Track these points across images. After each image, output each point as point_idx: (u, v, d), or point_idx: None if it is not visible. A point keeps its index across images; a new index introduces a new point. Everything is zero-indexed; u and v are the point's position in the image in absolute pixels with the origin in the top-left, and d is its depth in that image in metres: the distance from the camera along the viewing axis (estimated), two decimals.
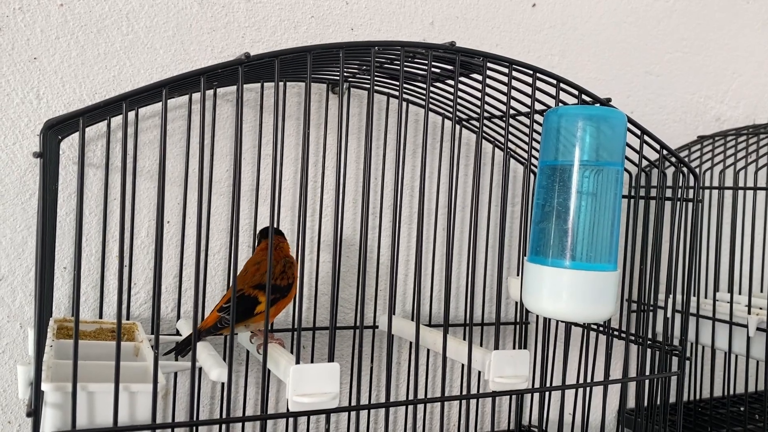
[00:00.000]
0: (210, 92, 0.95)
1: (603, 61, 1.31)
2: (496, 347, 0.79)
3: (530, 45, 1.22)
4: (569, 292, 0.71)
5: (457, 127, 1.13)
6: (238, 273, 0.97)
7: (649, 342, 0.95)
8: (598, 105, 0.82)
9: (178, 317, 0.95)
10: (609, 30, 1.31)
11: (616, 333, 1.01)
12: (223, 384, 0.99)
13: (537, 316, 1.17)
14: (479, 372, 1.11)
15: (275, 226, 0.80)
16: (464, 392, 1.15)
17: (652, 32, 1.36)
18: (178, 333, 0.93)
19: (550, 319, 1.07)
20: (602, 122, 0.71)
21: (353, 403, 1.08)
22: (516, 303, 1.21)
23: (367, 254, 0.75)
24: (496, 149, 1.16)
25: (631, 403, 1.27)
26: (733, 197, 1.19)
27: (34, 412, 0.57)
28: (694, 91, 1.42)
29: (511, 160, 1.17)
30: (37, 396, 0.58)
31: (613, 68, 1.32)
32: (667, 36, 1.38)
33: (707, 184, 1.31)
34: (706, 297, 1.29)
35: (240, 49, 1.00)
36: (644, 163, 0.92)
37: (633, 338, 0.99)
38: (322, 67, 0.90)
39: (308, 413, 0.70)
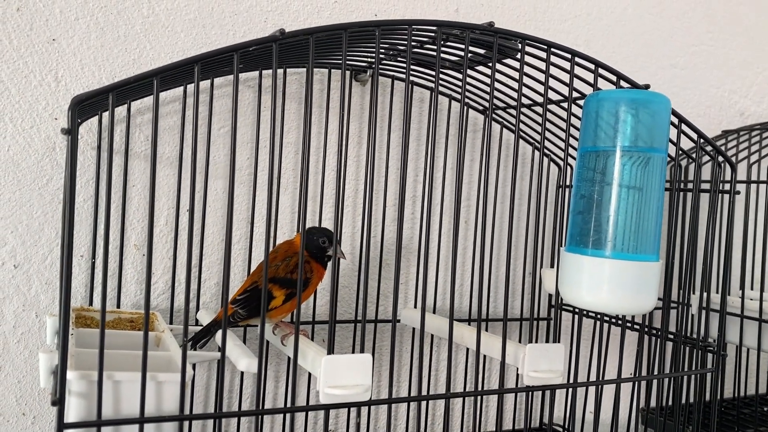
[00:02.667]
0: (231, 77, 0.93)
1: (628, 53, 1.28)
2: (529, 341, 0.77)
3: (555, 34, 1.20)
4: (610, 282, 0.68)
5: (482, 116, 1.10)
6: (255, 267, 0.94)
7: (683, 339, 0.93)
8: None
9: (198, 308, 0.93)
10: (634, 21, 1.28)
11: (647, 329, 0.98)
12: (241, 377, 0.96)
13: (561, 312, 1.15)
14: (492, 367, 1.09)
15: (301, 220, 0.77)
16: (484, 388, 1.13)
17: (676, 24, 1.34)
18: (197, 323, 0.90)
19: (574, 314, 1.04)
20: (646, 106, 0.69)
21: (374, 396, 1.05)
22: (536, 298, 1.19)
23: (400, 248, 0.72)
24: (520, 139, 1.13)
25: (652, 402, 1.24)
26: (766, 191, 1.17)
27: (60, 401, 0.55)
28: (718, 85, 1.40)
29: (535, 150, 1.15)
30: (63, 384, 0.55)
31: (638, 60, 1.29)
32: (691, 28, 1.36)
33: (738, 178, 1.28)
34: (729, 294, 1.26)
35: (262, 34, 0.97)
36: (679, 153, 0.90)
37: (667, 335, 0.97)
38: (349, 51, 0.87)
39: (337, 406, 0.67)
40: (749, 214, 1.22)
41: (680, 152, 0.90)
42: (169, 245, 0.93)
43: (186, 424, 0.91)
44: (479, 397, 1.12)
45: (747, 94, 1.43)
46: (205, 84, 0.91)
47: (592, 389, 1.16)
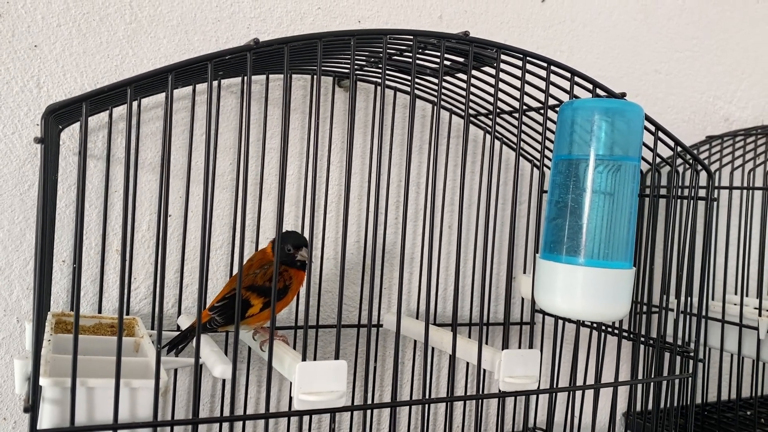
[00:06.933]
0: (214, 84, 0.93)
1: (612, 59, 1.29)
2: (505, 347, 0.77)
3: (539, 41, 1.20)
4: (584, 289, 0.69)
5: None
6: (235, 272, 0.95)
7: (660, 344, 0.93)
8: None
9: (179, 313, 0.93)
10: (618, 27, 1.29)
11: (625, 334, 0.99)
12: (223, 382, 0.97)
13: (543, 317, 1.15)
14: (483, 372, 1.10)
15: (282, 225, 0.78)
16: (469, 393, 1.14)
17: (661, 30, 1.35)
18: (179, 329, 0.91)
19: (557, 319, 1.05)
20: (619, 115, 0.69)
21: (357, 402, 1.06)
22: (519, 303, 1.19)
23: (376, 252, 0.73)
24: (503, 145, 1.14)
25: (636, 406, 1.25)
26: (747, 197, 1.18)
27: (32, 408, 0.55)
28: (703, 91, 1.40)
29: (520, 156, 1.15)
30: (35, 391, 0.56)
31: (622, 66, 1.30)
32: (676, 34, 1.36)
33: (716, 184, 1.29)
34: (713, 299, 1.27)
35: (245, 40, 0.98)
36: (656, 160, 0.91)
37: (644, 340, 0.97)
38: (330, 58, 0.88)
39: (313, 412, 0.68)
40: (731, 219, 1.23)
41: (659, 160, 0.91)
42: (150, 250, 0.94)
43: (165, 429, 0.91)
44: (454, 403, 1.13)
45: (731, 100, 1.44)
46: (189, 89, 0.92)
47: (575, 395, 1.17)
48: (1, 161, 0.85)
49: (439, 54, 0.77)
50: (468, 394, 1.13)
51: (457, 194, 1.12)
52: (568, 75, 0.79)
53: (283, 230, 0.88)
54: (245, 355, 0.99)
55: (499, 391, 0.77)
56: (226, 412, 0.95)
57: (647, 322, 1.05)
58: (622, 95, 0.80)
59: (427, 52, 0.79)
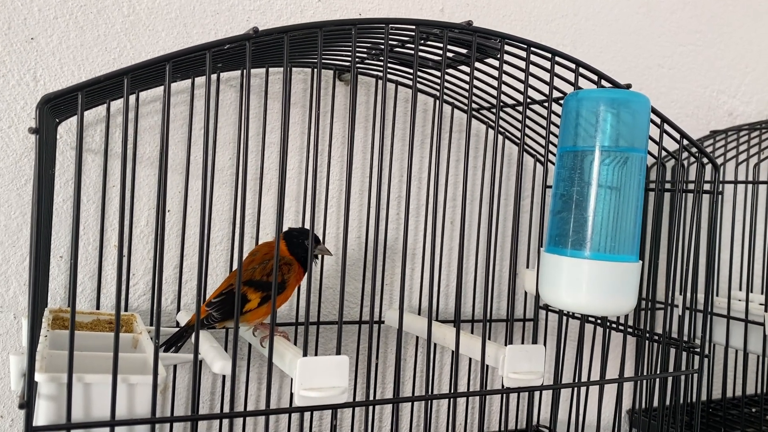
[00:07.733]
0: (213, 77, 0.92)
1: (615, 53, 1.28)
2: (509, 342, 0.76)
3: (542, 34, 1.19)
4: (589, 283, 0.68)
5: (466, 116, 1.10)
6: (234, 268, 0.94)
7: (666, 340, 0.92)
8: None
9: (178, 309, 0.92)
10: (621, 21, 1.28)
11: (630, 330, 0.98)
12: (223, 379, 0.96)
13: (546, 313, 1.14)
14: (486, 368, 1.08)
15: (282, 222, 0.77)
16: (472, 389, 1.13)
17: (664, 24, 1.33)
18: (178, 325, 0.90)
19: (561, 315, 1.04)
20: (625, 106, 0.68)
21: (359, 398, 1.04)
22: (522, 299, 1.18)
23: (377, 247, 0.72)
24: (505, 139, 1.12)
25: (641, 403, 1.24)
26: (752, 191, 1.16)
27: (27, 404, 0.54)
28: (706, 85, 1.39)
29: (523, 151, 1.14)
30: (31, 387, 0.55)
31: (625, 60, 1.29)
32: (680, 28, 1.35)
33: (721, 179, 1.27)
34: (717, 294, 1.26)
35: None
36: (662, 153, 0.89)
37: (648, 336, 0.96)
38: (330, 50, 0.87)
39: (315, 408, 0.66)
40: (736, 214, 1.22)
41: (666, 153, 0.90)
42: (149, 246, 0.93)
43: (165, 427, 0.90)
44: (457, 399, 1.12)
45: (735, 95, 1.43)
46: (188, 82, 0.91)
47: (579, 391, 1.15)
48: None
49: (441, 46, 0.76)
50: (471, 390, 1.12)
51: (460, 189, 1.12)
52: (573, 66, 0.78)
53: (283, 226, 0.86)
54: (245, 352, 0.98)
55: (503, 386, 0.76)
56: (226, 409, 0.94)
57: (651, 318, 1.04)
58: (628, 86, 0.79)
59: (429, 43, 0.78)
